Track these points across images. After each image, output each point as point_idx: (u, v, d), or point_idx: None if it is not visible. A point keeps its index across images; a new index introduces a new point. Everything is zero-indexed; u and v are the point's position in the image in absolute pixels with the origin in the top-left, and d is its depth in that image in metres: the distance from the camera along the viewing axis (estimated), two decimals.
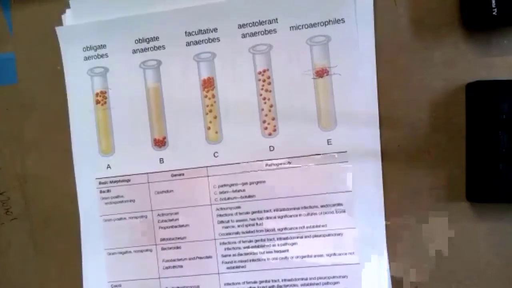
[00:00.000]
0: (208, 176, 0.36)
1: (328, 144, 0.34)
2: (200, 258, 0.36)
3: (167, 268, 0.36)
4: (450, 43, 0.33)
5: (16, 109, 0.38)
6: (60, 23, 0.37)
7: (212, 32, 0.35)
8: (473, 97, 0.33)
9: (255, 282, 0.35)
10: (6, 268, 0.37)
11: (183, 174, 0.36)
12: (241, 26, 0.35)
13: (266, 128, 0.35)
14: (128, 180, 0.37)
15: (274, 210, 0.35)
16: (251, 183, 0.35)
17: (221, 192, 0.36)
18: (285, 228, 0.35)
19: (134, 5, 0.36)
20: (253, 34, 0.35)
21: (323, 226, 0.34)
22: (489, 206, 0.33)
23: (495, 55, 0.33)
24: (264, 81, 0.35)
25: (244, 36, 0.35)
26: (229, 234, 0.36)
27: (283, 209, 0.35)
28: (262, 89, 0.35)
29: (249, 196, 0.35)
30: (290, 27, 0.34)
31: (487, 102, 0.32)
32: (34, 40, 0.37)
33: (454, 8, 0.33)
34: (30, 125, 0.37)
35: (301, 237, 0.35)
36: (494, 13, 0.31)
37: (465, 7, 0.32)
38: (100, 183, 0.37)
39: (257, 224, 0.35)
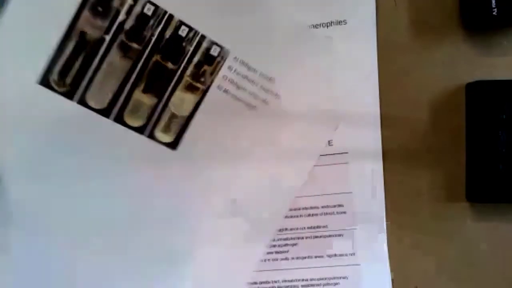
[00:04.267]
0: None
1: (329, 145, 0.34)
2: None
3: None
4: (450, 43, 0.33)
5: None
6: None
7: None
8: (473, 97, 0.33)
9: (255, 283, 0.35)
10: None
11: None
12: None
13: None
14: None
15: None
16: None
17: None
18: (286, 229, 0.35)
19: None
20: None
21: (323, 227, 0.34)
22: (489, 206, 0.33)
23: (495, 55, 0.33)
24: None
25: None
26: None
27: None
28: None
29: None
30: None
31: (487, 102, 0.32)
32: None
33: (454, 8, 0.33)
34: None
35: (302, 238, 0.35)
36: (494, 13, 0.31)
37: (465, 7, 0.32)
38: None
39: None
